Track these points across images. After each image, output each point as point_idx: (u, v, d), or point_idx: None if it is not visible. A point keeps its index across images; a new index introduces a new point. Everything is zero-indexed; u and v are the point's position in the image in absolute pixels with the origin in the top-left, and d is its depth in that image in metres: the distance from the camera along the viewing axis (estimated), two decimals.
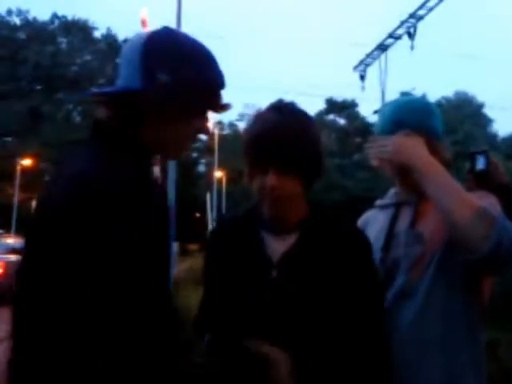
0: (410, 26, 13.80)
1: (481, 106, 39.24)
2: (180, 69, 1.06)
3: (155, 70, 1.05)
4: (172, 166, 8.71)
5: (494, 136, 38.16)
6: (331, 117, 38.25)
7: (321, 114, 37.94)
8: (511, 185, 1.52)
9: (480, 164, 1.53)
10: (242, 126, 37.50)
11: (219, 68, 1.12)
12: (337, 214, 1.39)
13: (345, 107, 36.39)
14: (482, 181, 1.50)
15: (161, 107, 1.07)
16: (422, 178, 1.43)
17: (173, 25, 8.93)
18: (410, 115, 1.56)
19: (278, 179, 1.27)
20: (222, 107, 1.16)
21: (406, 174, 1.51)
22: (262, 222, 1.36)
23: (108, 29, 37.79)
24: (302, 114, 1.32)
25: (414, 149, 1.46)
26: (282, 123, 1.27)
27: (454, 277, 1.47)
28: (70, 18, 35.09)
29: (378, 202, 1.73)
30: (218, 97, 1.13)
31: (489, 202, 1.42)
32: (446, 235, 1.45)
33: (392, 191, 1.70)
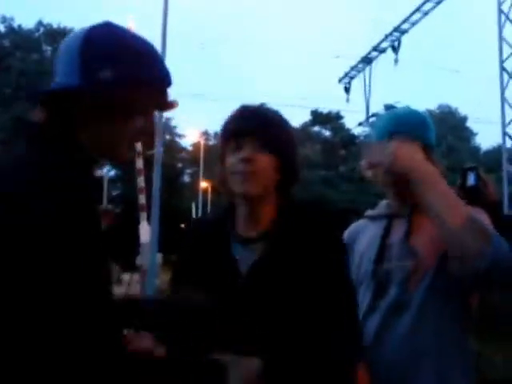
0: (394, 39, 13.99)
1: (464, 119, 39.74)
2: (122, 65, 1.01)
3: (95, 67, 1.00)
4: (157, 176, 8.66)
5: (477, 149, 38.62)
6: (316, 128, 38.47)
7: (306, 126, 38.13)
8: (500, 202, 1.54)
9: (470, 180, 1.56)
10: None
11: (164, 65, 1.09)
12: (314, 216, 1.34)
13: (330, 119, 36.62)
14: (472, 197, 1.52)
15: (101, 105, 1.01)
16: (423, 187, 1.40)
17: (159, 34, 8.91)
18: (406, 126, 1.55)
19: (253, 153, 1.25)
20: (167, 106, 1.13)
21: (401, 183, 1.48)
22: (232, 231, 1.33)
23: None
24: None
25: (415, 156, 1.44)
26: (259, 108, 1.32)
27: (448, 291, 1.47)
28: (55, 26, 34.91)
29: (369, 213, 1.72)
30: (162, 95, 1.09)
31: (482, 219, 1.42)
32: (441, 249, 1.44)
33: (384, 202, 1.69)
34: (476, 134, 40.24)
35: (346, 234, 1.72)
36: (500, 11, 11.01)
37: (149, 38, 1.08)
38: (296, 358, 1.19)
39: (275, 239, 1.28)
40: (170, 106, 1.12)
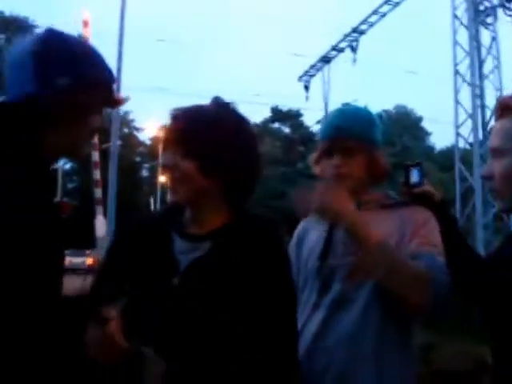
0: (353, 39, 14.23)
1: (419, 119, 40.68)
2: (75, 69, 1.06)
3: (52, 73, 1.04)
4: (112, 169, 8.52)
5: (431, 149, 39.63)
6: (276, 125, 38.63)
7: (266, 123, 38.23)
8: (444, 198, 1.55)
9: (414, 177, 1.52)
10: None
11: (106, 63, 1.14)
12: (260, 223, 1.33)
13: (289, 116, 36.86)
14: (416, 195, 1.51)
15: (61, 110, 1.06)
16: (352, 236, 1.44)
17: (115, 27, 8.77)
18: (352, 123, 1.57)
19: (174, 158, 1.24)
20: (117, 102, 1.20)
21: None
22: (178, 227, 1.32)
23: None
24: (233, 112, 1.30)
25: (339, 205, 1.43)
26: (187, 112, 1.27)
27: (381, 299, 1.46)
28: (7, 13, 33.78)
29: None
30: (111, 92, 1.15)
31: (430, 228, 1.45)
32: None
33: None
34: (430, 134, 41.33)
35: (297, 230, 1.73)
36: (454, 16, 11.34)
37: (107, 31, 1.11)
38: (201, 367, 1.19)
39: (219, 241, 1.27)
40: (119, 102, 1.18)
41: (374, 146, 1.58)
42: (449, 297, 1.41)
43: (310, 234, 1.67)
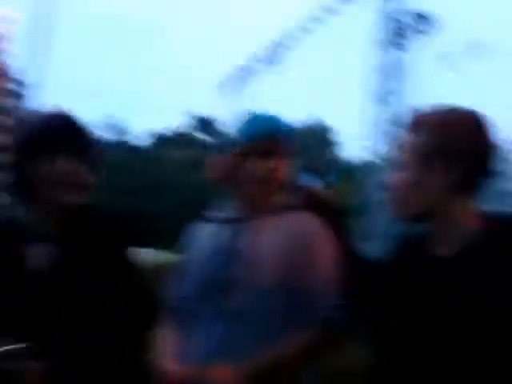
0: (275, 53, 14.51)
1: (329, 130, 42.12)
2: None
3: None
4: None
5: (339, 159, 41.05)
6: (197, 133, 38.48)
7: (186, 129, 37.96)
8: (338, 206, 1.55)
9: (309, 182, 1.53)
10: (106, 135, 36.24)
11: None
12: (107, 218, 1.38)
13: (210, 124, 36.86)
14: (310, 199, 1.52)
15: None
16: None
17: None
18: (282, 127, 1.58)
19: (66, 163, 1.29)
20: None
21: (248, 184, 1.51)
22: (28, 229, 1.31)
23: None
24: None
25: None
26: (64, 116, 1.33)
27: (286, 309, 1.45)
28: None
29: (211, 215, 1.67)
30: None
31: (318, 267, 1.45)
32: (285, 260, 1.45)
33: (227, 205, 1.64)
34: (338, 145, 42.82)
35: (192, 236, 1.66)
36: (371, 35, 11.88)
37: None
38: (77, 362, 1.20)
39: (71, 239, 1.30)
40: None
41: (288, 152, 1.58)
42: (346, 317, 1.42)
43: (202, 240, 1.62)
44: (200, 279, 1.55)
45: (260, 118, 1.62)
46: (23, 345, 1.14)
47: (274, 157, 1.53)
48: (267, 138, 1.54)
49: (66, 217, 1.30)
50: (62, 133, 1.30)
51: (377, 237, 10.45)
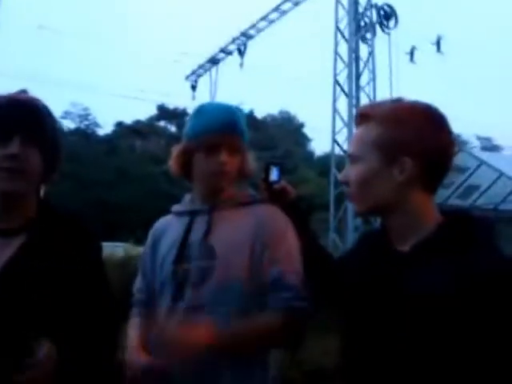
0: (241, 43, 14.44)
1: (301, 125, 42.38)
2: None
3: None
4: None
5: (311, 154, 41.43)
6: (162, 123, 38.07)
7: (152, 120, 37.53)
8: (299, 200, 1.59)
9: (274, 175, 1.54)
10: (66, 123, 35.46)
11: None
12: (68, 214, 1.33)
13: (176, 115, 36.51)
14: (274, 193, 1.53)
15: None
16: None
17: None
18: (237, 119, 1.54)
19: (23, 148, 1.18)
20: None
21: (211, 177, 1.49)
22: None
23: None
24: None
25: (189, 339, 1.36)
26: (17, 100, 1.23)
27: (241, 301, 1.44)
28: None
29: (174, 208, 1.65)
30: None
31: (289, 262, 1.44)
32: (245, 256, 1.44)
33: (188, 196, 1.63)
34: (311, 140, 43.21)
35: (153, 230, 1.65)
36: (337, 28, 11.94)
37: None
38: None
39: (33, 234, 1.24)
40: None
41: (246, 145, 1.56)
42: (308, 310, 1.44)
43: (165, 235, 1.60)
44: (160, 272, 1.54)
45: (209, 111, 1.57)
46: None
47: (223, 151, 1.50)
48: (215, 132, 1.50)
49: (22, 210, 1.24)
50: (17, 117, 1.21)
51: (352, 230, 10.58)
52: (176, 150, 1.57)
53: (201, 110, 1.58)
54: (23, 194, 1.23)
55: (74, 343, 1.17)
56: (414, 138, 1.11)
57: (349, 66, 11.60)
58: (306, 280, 1.43)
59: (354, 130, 1.22)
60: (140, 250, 1.56)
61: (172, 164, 1.57)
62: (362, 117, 1.18)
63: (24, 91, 1.28)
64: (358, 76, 11.83)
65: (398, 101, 1.18)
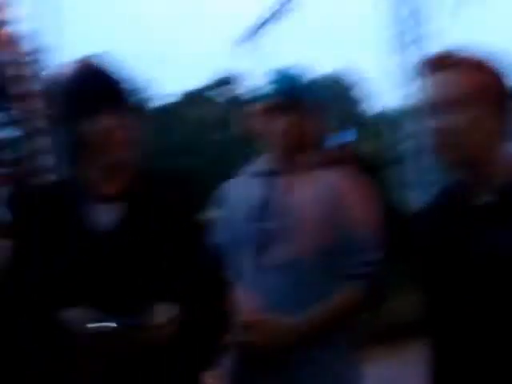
0: (287, 1, 14.09)
1: (354, 84, 41.35)
2: None
3: None
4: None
5: (365, 114, 40.47)
6: (221, 89, 38.16)
7: (210, 87, 37.67)
8: (372, 160, 1.62)
9: (346, 138, 1.60)
10: None
11: None
12: (166, 178, 1.37)
13: (228, 81, 36.47)
14: (348, 155, 1.58)
15: None
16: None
17: None
18: (304, 83, 1.59)
19: (112, 120, 1.24)
20: None
21: (290, 137, 1.52)
22: (87, 190, 1.29)
23: None
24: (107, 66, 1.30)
25: (277, 333, 1.43)
26: (97, 73, 1.27)
27: (318, 263, 1.50)
28: None
29: (247, 170, 1.71)
30: None
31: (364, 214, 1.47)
32: (320, 219, 1.47)
33: (264, 157, 1.68)
34: (366, 99, 42.14)
35: (223, 192, 1.70)
36: None
37: None
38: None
39: (135, 198, 1.28)
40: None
41: (316, 108, 1.60)
42: (386, 273, 1.49)
43: (238, 195, 1.66)
44: (236, 232, 1.60)
45: (282, 75, 1.64)
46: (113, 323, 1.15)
47: (294, 113, 1.54)
48: (287, 95, 1.55)
49: (123, 176, 1.29)
50: (101, 89, 1.25)
51: (414, 186, 10.33)
52: (248, 112, 1.65)
53: (271, 75, 1.65)
54: (125, 162, 1.29)
55: (186, 303, 1.22)
56: (501, 86, 1.07)
57: (398, 18, 11.11)
58: (384, 240, 1.46)
59: (434, 77, 1.15)
60: (208, 215, 1.65)
61: (247, 125, 1.65)
62: (446, 63, 1.12)
63: (96, 56, 1.31)
64: (410, 28, 11.33)
65: (468, 50, 1.13)
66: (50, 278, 1.20)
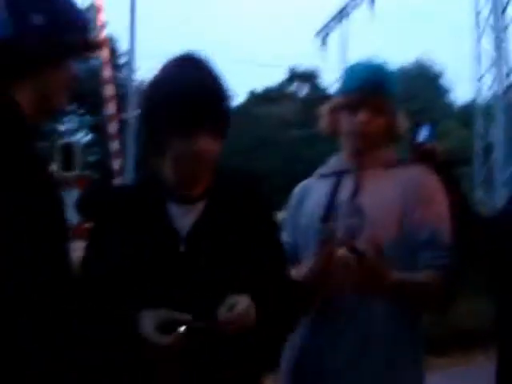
0: None
1: (439, 75, 39.75)
2: (50, 7, 0.96)
3: (26, 12, 0.92)
4: (130, 141, 8.46)
5: (450, 105, 38.81)
6: (294, 87, 38.12)
7: (283, 85, 37.72)
8: (451, 161, 1.55)
9: (423, 135, 1.51)
10: None
11: (78, 5, 1.07)
12: (243, 179, 1.37)
13: (308, 76, 36.30)
14: (423, 153, 1.51)
15: (38, 52, 0.95)
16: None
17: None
18: (381, 77, 1.51)
19: (208, 142, 1.20)
20: (95, 44, 1.12)
21: (366, 137, 1.48)
22: (166, 191, 1.28)
23: None
24: (214, 70, 1.25)
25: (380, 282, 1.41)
26: (203, 81, 1.20)
27: (405, 265, 1.43)
28: None
29: (319, 171, 1.67)
30: (87, 35, 1.06)
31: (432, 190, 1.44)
32: (396, 213, 1.44)
33: (334, 158, 1.65)
34: (449, 91, 40.39)
35: (295, 192, 1.68)
36: None
37: None
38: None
39: (213, 200, 1.27)
40: (98, 44, 1.11)
41: (395, 104, 1.54)
42: (459, 271, 1.44)
43: (310, 197, 1.62)
44: (306, 232, 1.57)
45: (354, 70, 1.59)
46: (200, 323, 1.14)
47: (364, 111, 1.49)
48: (356, 91, 1.51)
49: (206, 178, 1.28)
50: (204, 104, 1.19)
51: (502, 185, 9.78)
52: (325, 108, 1.59)
53: (348, 69, 1.61)
54: (210, 169, 1.29)
55: (261, 297, 1.20)
56: None
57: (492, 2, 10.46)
58: (456, 240, 1.42)
59: None
60: (281, 214, 1.69)
61: (321, 123, 1.60)
62: None
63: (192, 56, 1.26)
64: (504, 9, 10.65)
65: None
66: (126, 278, 1.20)
